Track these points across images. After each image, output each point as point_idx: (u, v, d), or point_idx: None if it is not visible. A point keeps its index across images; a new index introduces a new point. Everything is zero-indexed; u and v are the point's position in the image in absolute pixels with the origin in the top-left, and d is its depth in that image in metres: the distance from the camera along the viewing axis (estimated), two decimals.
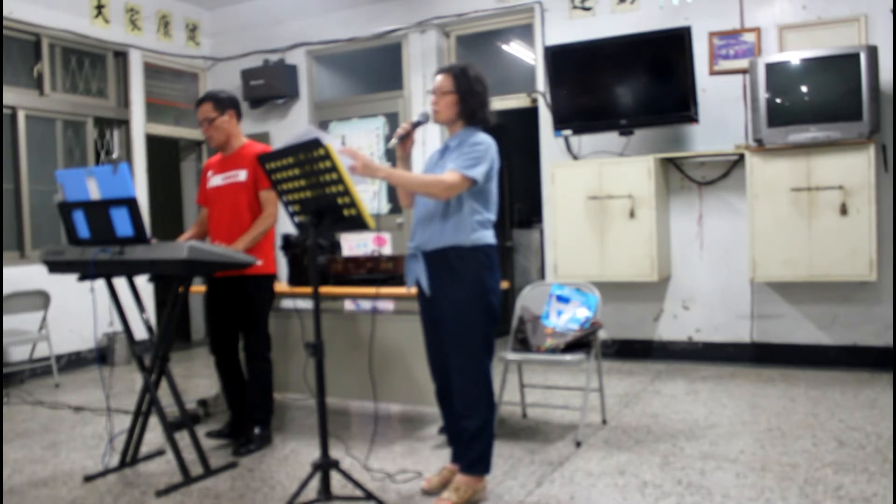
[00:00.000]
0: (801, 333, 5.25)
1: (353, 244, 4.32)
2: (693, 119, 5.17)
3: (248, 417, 3.79)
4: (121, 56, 6.72)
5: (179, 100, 7.39)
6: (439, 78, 2.95)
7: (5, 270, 5.58)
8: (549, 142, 5.94)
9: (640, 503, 2.86)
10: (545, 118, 5.95)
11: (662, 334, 5.69)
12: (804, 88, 4.84)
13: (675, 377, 5.04)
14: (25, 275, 5.58)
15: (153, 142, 7.01)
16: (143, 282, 3.60)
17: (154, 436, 3.89)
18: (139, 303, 3.54)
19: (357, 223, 2.81)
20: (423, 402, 3.98)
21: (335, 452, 3.20)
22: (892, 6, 4.88)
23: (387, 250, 4.26)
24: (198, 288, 3.97)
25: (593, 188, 5.39)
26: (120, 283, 3.46)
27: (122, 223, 3.15)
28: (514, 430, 3.90)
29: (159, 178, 7.29)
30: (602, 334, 5.18)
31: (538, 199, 6.15)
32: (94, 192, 3.22)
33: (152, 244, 3.15)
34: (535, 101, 6.11)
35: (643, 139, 5.58)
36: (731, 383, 4.80)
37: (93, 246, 3.24)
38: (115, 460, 3.50)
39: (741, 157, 5.23)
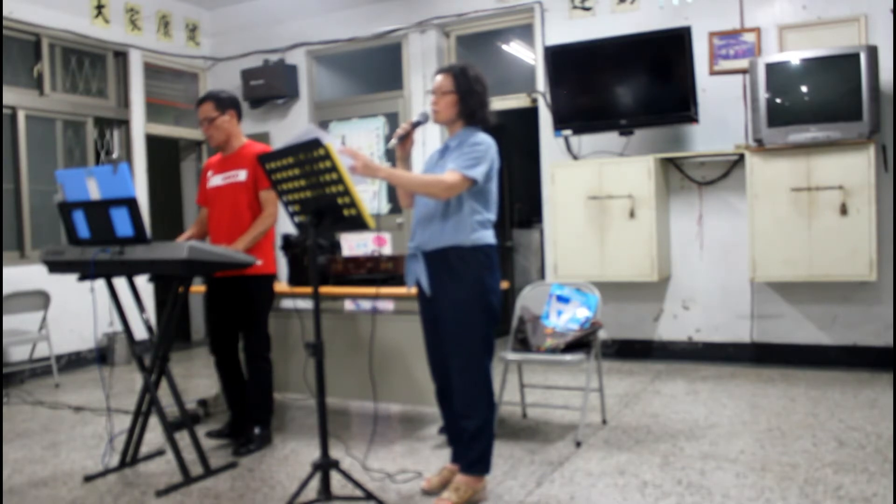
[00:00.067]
0: (801, 333, 5.25)
1: (353, 244, 4.32)
2: (693, 119, 5.17)
3: (248, 417, 3.79)
4: (121, 56, 6.72)
5: (179, 100, 7.39)
6: (439, 78, 2.95)
7: (5, 270, 5.58)
8: (549, 142, 5.94)
9: (640, 503, 2.86)
10: (545, 118, 5.95)
11: (662, 334, 5.69)
12: (804, 88, 4.84)
13: (675, 377, 5.04)
14: (25, 275, 5.58)
15: (153, 142, 7.01)
16: (143, 282, 3.60)
17: (154, 436, 3.89)
18: (139, 303, 3.54)
19: (357, 223, 2.81)
20: (423, 402, 3.98)
21: (335, 452, 3.20)
22: (892, 6, 4.88)
23: (387, 250, 4.26)
24: (198, 288, 3.97)
25: (593, 188, 5.39)
26: (120, 283, 3.46)
27: (122, 223, 3.15)
28: (514, 430, 3.90)
29: (159, 178, 7.29)
30: (602, 334, 5.18)
31: (538, 199, 6.15)
32: (94, 192, 3.22)
33: (152, 244, 3.15)
34: (535, 101, 6.11)
35: (643, 139, 5.58)
36: (731, 383, 4.80)
37: (93, 246, 3.24)
38: (115, 460, 3.51)
39: (741, 157, 5.23)
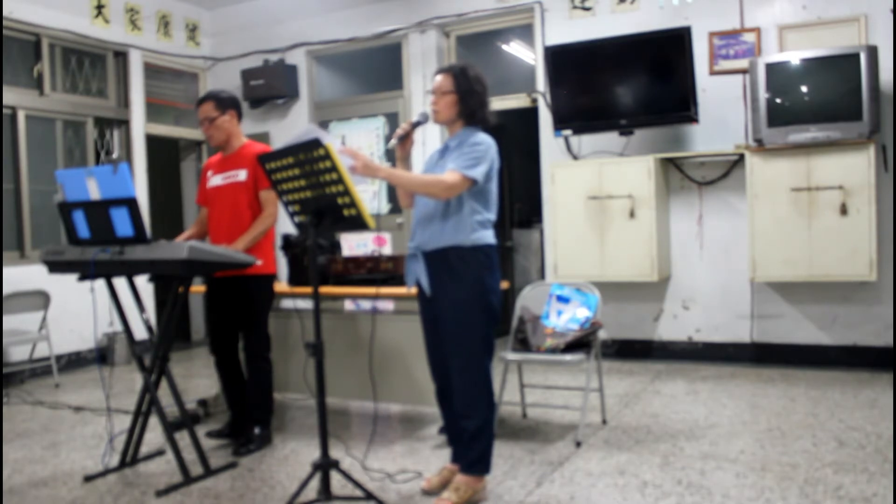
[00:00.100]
0: (801, 333, 5.25)
1: (353, 244, 4.32)
2: (693, 119, 5.17)
3: (248, 417, 3.79)
4: (121, 56, 6.72)
5: (179, 100, 7.39)
6: (439, 78, 2.95)
7: (5, 270, 5.58)
8: (549, 142, 5.94)
9: (640, 503, 2.86)
10: (545, 118, 5.95)
11: (662, 334, 5.69)
12: (804, 88, 4.84)
13: (675, 377, 5.04)
14: (25, 275, 5.58)
15: (153, 142, 7.01)
16: (143, 282, 3.60)
17: (154, 436, 3.89)
18: (139, 303, 3.54)
19: (357, 223, 2.81)
20: (423, 402, 3.98)
21: (335, 452, 3.20)
22: (892, 6, 4.88)
23: (387, 250, 4.26)
24: (198, 288, 3.97)
25: (593, 188, 5.39)
26: (120, 283, 3.46)
27: (122, 223, 3.15)
28: (514, 430, 3.90)
29: (159, 178, 7.29)
30: (602, 334, 5.18)
31: (538, 199, 6.15)
32: (94, 192, 3.22)
33: (153, 244, 3.15)
34: (535, 101, 6.11)
35: (643, 139, 5.58)
36: (731, 383, 4.80)
37: (93, 246, 3.24)
38: (115, 460, 3.50)
39: (741, 157, 5.23)
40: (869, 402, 4.18)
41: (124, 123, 6.75)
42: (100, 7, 6.45)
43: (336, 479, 2.97)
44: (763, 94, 4.83)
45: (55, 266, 3.41)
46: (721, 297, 5.49)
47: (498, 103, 6.08)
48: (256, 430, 3.75)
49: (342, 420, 4.24)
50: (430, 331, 3.02)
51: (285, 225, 4.70)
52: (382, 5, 6.64)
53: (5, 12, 5.69)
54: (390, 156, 6.17)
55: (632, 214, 5.26)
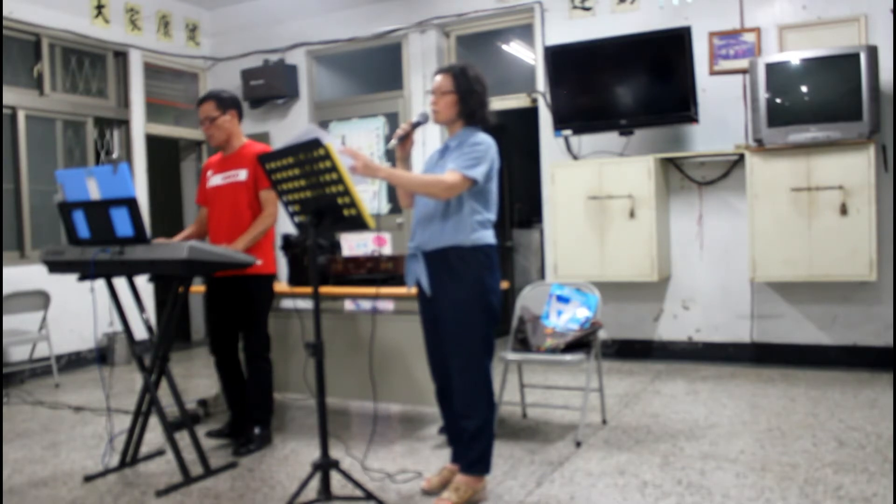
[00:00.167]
0: (801, 333, 5.25)
1: (353, 244, 4.32)
2: (693, 119, 5.17)
3: (248, 417, 3.79)
4: (121, 56, 6.72)
5: (179, 100, 7.39)
6: (438, 78, 2.95)
7: (5, 270, 5.58)
8: (549, 142, 5.94)
9: (640, 503, 2.86)
10: (545, 118, 5.95)
11: (662, 334, 5.69)
12: (804, 88, 4.84)
13: (675, 377, 5.04)
14: (25, 275, 5.58)
15: (153, 142, 7.01)
16: (143, 282, 3.60)
17: (154, 436, 3.89)
18: (139, 303, 3.54)
19: (357, 223, 2.81)
20: (423, 402, 3.98)
21: (335, 452, 3.20)
22: (892, 6, 4.88)
23: (387, 250, 4.26)
24: (198, 288, 3.97)
25: (593, 188, 5.39)
26: (120, 283, 3.46)
27: (122, 223, 3.15)
28: (514, 430, 3.90)
29: (159, 178, 7.29)
30: (602, 334, 5.18)
31: (538, 199, 6.15)
32: (94, 192, 3.22)
33: (153, 244, 3.15)
34: (535, 101, 6.11)
35: (643, 139, 5.58)
36: (731, 383, 4.80)
37: (93, 246, 3.24)
38: (115, 460, 3.50)
39: (741, 157, 5.23)
40: (869, 402, 4.19)
41: (124, 123, 6.75)
42: (100, 7, 6.45)
43: (336, 479, 2.97)
44: (763, 94, 4.83)
45: (55, 266, 3.41)
46: (721, 297, 5.48)
47: (498, 103, 6.09)
48: (256, 430, 3.75)
49: (342, 420, 4.24)
50: (430, 331, 3.02)
51: (285, 225, 4.70)
52: (382, 5, 6.64)
53: (5, 12, 5.69)
54: (390, 156, 6.17)
55: (632, 214, 5.26)
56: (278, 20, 7.10)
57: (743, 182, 5.17)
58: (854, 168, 4.68)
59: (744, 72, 5.27)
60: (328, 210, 2.81)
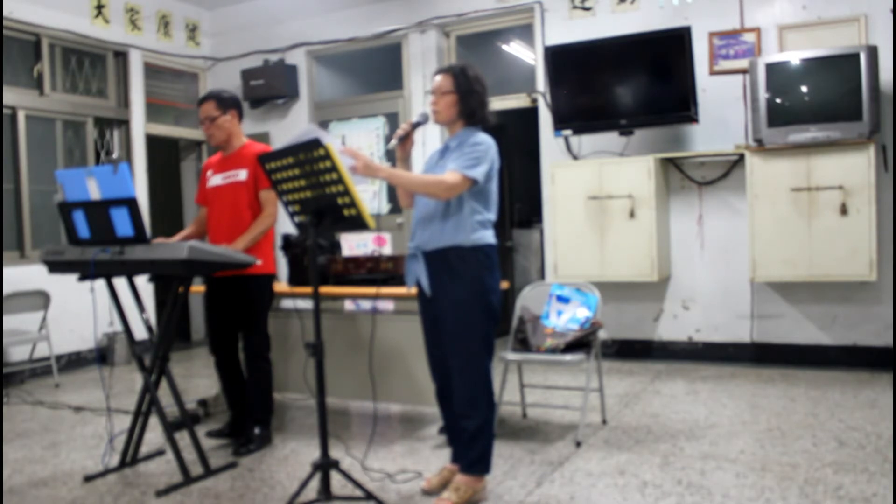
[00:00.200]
0: (801, 333, 5.25)
1: (353, 244, 4.32)
2: (693, 119, 5.17)
3: (248, 417, 3.79)
4: (121, 56, 6.72)
5: (179, 100, 7.39)
6: (438, 78, 2.95)
7: (5, 270, 5.58)
8: (549, 142, 5.94)
9: (640, 503, 2.86)
10: (545, 118, 5.95)
11: (662, 334, 5.69)
12: (804, 88, 4.84)
13: (675, 377, 5.04)
14: (25, 275, 5.58)
15: (153, 142, 7.01)
16: (143, 282, 3.60)
17: (154, 436, 3.89)
18: (139, 303, 3.54)
19: (357, 223, 2.81)
20: (423, 402, 3.98)
21: (335, 452, 3.20)
22: (892, 6, 4.88)
23: (387, 250, 4.27)
24: (198, 288, 3.97)
25: (593, 188, 5.39)
26: (120, 283, 3.46)
27: (122, 223, 3.15)
28: (514, 430, 3.90)
29: (159, 178, 7.29)
30: (602, 334, 5.18)
31: (538, 199, 6.15)
32: (94, 192, 3.22)
33: (153, 244, 3.15)
34: (535, 101, 6.11)
35: (643, 139, 5.58)
36: (731, 383, 4.80)
37: (93, 246, 3.24)
38: (115, 460, 3.50)
39: (741, 157, 5.23)
40: (869, 402, 4.19)
41: (124, 123, 6.75)
42: (100, 7, 6.45)
43: (336, 479, 2.97)
44: (763, 94, 4.83)
45: (55, 266, 3.41)
46: (721, 297, 5.49)
47: (498, 103, 6.09)
48: (256, 430, 3.75)
49: (342, 420, 4.24)
50: (430, 331, 3.02)
51: (285, 225, 4.71)
52: (382, 5, 6.64)
53: (5, 12, 5.69)
54: (390, 156, 6.17)
55: (632, 214, 5.26)
56: (278, 20, 7.10)
57: (743, 182, 5.17)
58: (854, 168, 4.68)
59: (744, 72, 5.27)
60: (328, 210, 2.81)
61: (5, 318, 5.30)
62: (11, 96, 5.83)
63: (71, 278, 3.46)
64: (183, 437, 3.56)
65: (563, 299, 3.92)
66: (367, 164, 2.72)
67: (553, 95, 5.59)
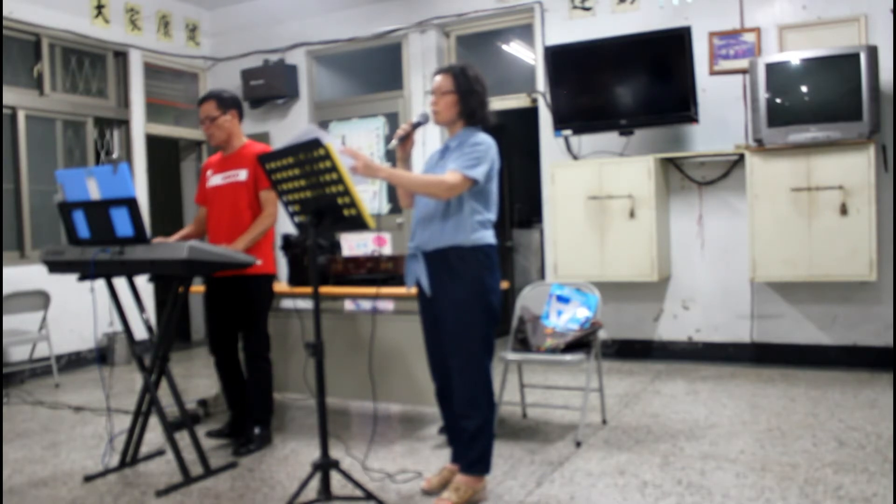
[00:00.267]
0: (801, 333, 5.25)
1: (353, 244, 4.32)
2: (693, 119, 5.17)
3: (248, 417, 3.79)
4: (121, 56, 6.72)
5: (179, 100, 7.39)
6: (438, 78, 2.95)
7: (5, 270, 5.58)
8: (549, 142, 5.94)
9: (640, 503, 2.86)
10: (545, 118, 5.95)
11: (662, 334, 5.69)
12: (804, 88, 4.84)
13: (675, 377, 5.04)
14: (25, 275, 5.58)
15: (153, 142, 7.01)
16: (143, 282, 3.60)
17: (154, 436, 3.89)
18: (139, 303, 3.54)
19: (357, 223, 2.81)
20: (423, 402, 3.98)
21: (335, 452, 3.20)
22: (892, 6, 4.88)
23: (387, 250, 4.26)
24: (198, 288, 3.97)
25: (593, 188, 5.39)
26: (120, 283, 3.46)
27: (122, 223, 3.15)
28: (514, 430, 3.90)
29: (159, 178, 7.29)
30: (602, 334, 5.18)
31: (538, 199, 6.15)
32: (94, 192, 3.22)
33: (153, 244, 3.15)
34: (535, 101, 6.11)
35: (643, 139, 5.58)
36: (731, 383, 4.80)
37: (93, 246, 3.24)
38: (115, 460, 3.51)
39: (741, 157, 5.23)
40: (869, 402, 4.19)
41: (124, 123, 6.75)
42: (100, 7, 6.45)
43: (336, 479, 2.97)
44: (763, 94, 4.83)
45: (55, 266, 3.41)
46: (721, 297, 5.48)
47: (498, 103, 6.09)
48: (256, 430, 3.75)
49: (342, 420, 4.24)
50: (430, 331, 3.02)
51: (285, 225, 4.71)
52: (382, 5, 6.64)
53: (5, 12, 5.69)
54: (391, 156, 6.18)
55: (632, 214, 5.26)
56: (278, 20, 7.10)
57: (743, 182, 5.17)
58: (854, 168, 4.68)
59: (744, 72, 5.27)
60: (328, 210, 2.81)
61: (5, 318, 5.30)
62: (11, 96, 5.83)
63: (71, 278, 3.46)
64: (183, 437, 3.56)
65: (563, 299, 3.92)
66: (367, 164, 2.72)
67: (553, 95, 5.59)
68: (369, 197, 6.77)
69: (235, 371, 3.87)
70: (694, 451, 3.45)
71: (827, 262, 4.78)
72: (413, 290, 3.04)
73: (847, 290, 5.08)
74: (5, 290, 5.39)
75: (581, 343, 3.71)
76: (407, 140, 3.00)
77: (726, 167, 5.41)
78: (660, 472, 3.18)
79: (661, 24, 5.38)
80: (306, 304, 4.20)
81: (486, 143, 2.86)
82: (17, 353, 5.65)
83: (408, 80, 6.65)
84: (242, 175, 3.71)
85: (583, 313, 3.84)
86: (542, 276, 6.36)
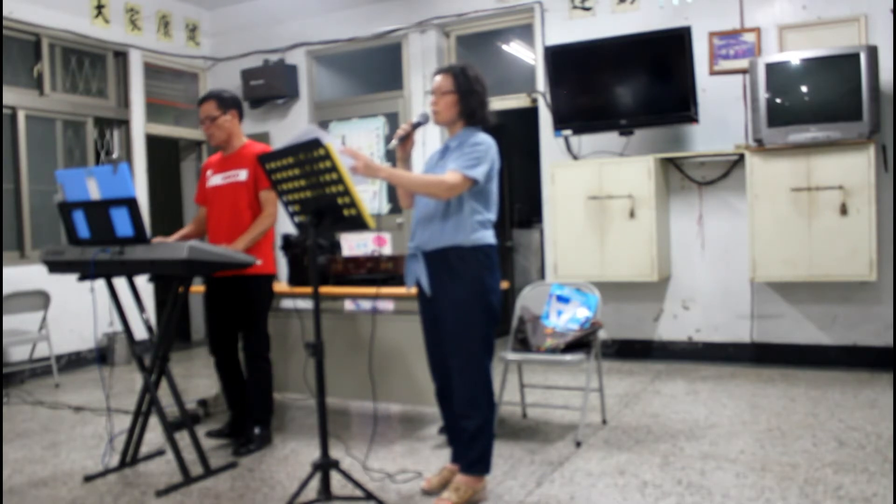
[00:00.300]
0: (801, 333, 5.25)
1: (353, 244, 4.32)
2: (693, 119, 5.17)
3: (248, 417, 3.79)
4: (121, 56, 6.72)
5: (179, 100, 7.39)
6: (438, 78, 2.95)
7: (5, 270, 5.58)
8: (549, 142, 5.94)
9: (640, 503, 2.86)
10: (545, 118, 5.95)
11: (662, 334, 5.69)
12: (804, 88, 4.84)
13: (675, 377, 5.04)
14: (25, 275, 5.58)
15: (153, 142, 7.01)
16: (143, 282, 3.60)
17: (154, 436, 3.89)
18: (139, 303, 3.54)
19: (357, 223, 2.81)
20: (423, 402, 3.98)
21: (335, 452, 3.20)
22: (892, 6, 4.88)
23: (387, 250, 4.26)
24: (198, 288, 3.97)
25: (593, 188, 5.39)
26: (120, 283, 3.46)
27: (122, 223, 3.15)
28: (514, 430, 3.90)
29: (159, 178, 7.29)
30: (602, 334, 5.18)
31: (538, 199, 6.15)
32: (94, 192, 3.22)
33: (153, 244, 3.15)
34: (535, 101, 6.11)
35: (643, 139, 5.58)
36: (731, 383, 4.80)
37: (93, 246, 3.24)
38: (115, 460, 3.51)
39: (741, 157, 5.23)
40: (869, 402, 4.19)
41: (124, 123, 6.75)
42: (100, 7, 6.45)
43: (336, 479, 2.97)
44: (763, 94, 4.83)
45: (55, 266, 3.41)
46: (721, 297, 5.48)
47: (498, 103, 6.09)
48: (256, 430, 3.75)
49: (342, 420, 4.24)
50: (430, 331, 3.02)
51: (285, 225, 4.71)
52: (382, 5, 6.64)
53: (5, 12, 5.69)
54: (391, 156, 6.17)
55: (632, 214, 5.26)
56: (278, 20, 7.10)
57: (743, 182, 5.17)
58: (854, 168, 4.68)
59: (744, 72, 5.27)
60: (328, 210, 2.81)
61: (5, 318, 5.30)
62: (11, 96, 5.83)
63: (71, 278, 3.46)
64: (183, 437, 3.56)
65: (563, 299, 3.92)
66: (367, 164, 2.72)
67: (553, 95, 5.59)
68: (369, 197, 6.77)
69: (235, 371, 3.87)
70: (694, 451, 3.45)
71: (827, 262, 4.78)
72: (413, 290, 3.04)
73: (847, 290, 5.08)
74: (5, 290, 5.39)
75: (581, 343, 3.71)
76: (407, 140, 3.00)
77: (726, 167, 5.42)
78: (660, 472, 3.18)
79: (661, 24, 5.38)
80: (306, 304, 4.20)
81: (486, 143, 2.86)
82: (17, 353, 5.65)
83: (408, 80, 6.65)
84: (242, 175, 3.71)
85: (583, 313, 3.84)
86: (542, 276, 6.36)
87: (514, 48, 6.95)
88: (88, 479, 3.34)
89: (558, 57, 5.53)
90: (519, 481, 3.14)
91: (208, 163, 3.94)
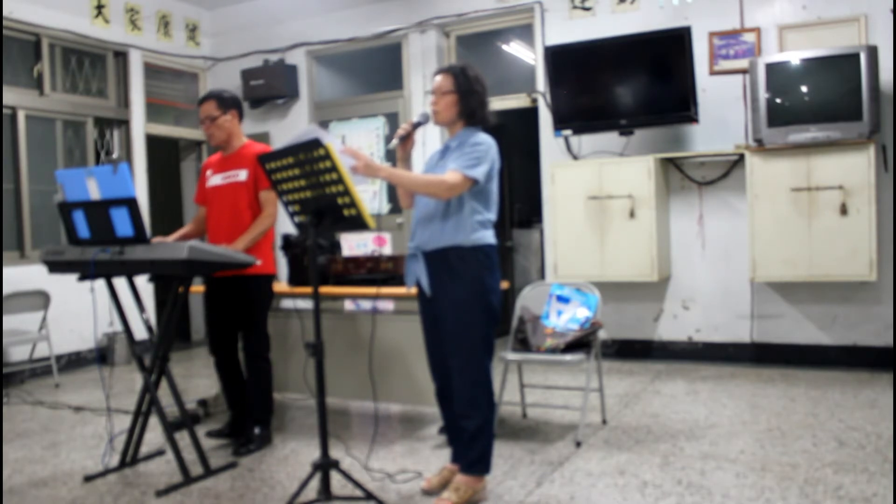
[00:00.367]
0: (801, 333, 5.25)
1: (353, 244, 4.32)
2: (693, 119, 5.17)
3: (248, 417, 3.79)
4: (121, 56, 6.72)
5: (179, 100, 7.39)
6: (438, 78, 2.96)
7: (5, 270, 5.58)
8: (549, 142, 5.94)
9: (640, 503, 2.86)
10: (545, 118, 5.95)
11: (662, 334, 5.69)
12: (804, 88, 4.84)
13: (675, 377, 5.04)
14: (25, 275, 5.58)
15: (153, 142, 7.01)
16: (143, 282, 3.60)
17: (154, 436, 3.89)
18: (139, 303, 3.54)
19: (357, 223, 2.81)
20: (423, 402, 3.98)
21: (335, 452, 3.20)
22: (892, 6, 4.88)
23: (387, 250, 4.26)
24: (198, 288, 3.97)
25: (593, 188, 5.39)
26: (120, 283, 3.46)
27: (122, 223, 3.15)
28: (514, 430, 3.90)
29: (159, 178, 7.29)
30: (602, 334, 5.18)
31: (538, 199, 6.15)
32: (94, 192, 3.22)
33: (152, 244, 3.15)
34: (535, 101, 6.11)
35: (643, 139, 5.58)
36: (731, 383, 4.80)
37: (93, 246, 3.24)
38: (115, 460, 3.51)
39: (741, 157, 5.23)
40: (869, 402, 4.19)
41: (124, 123, 6.75)
42: (100, 7, 6.45)
43: (336, 479, 2.97)
44: (763, 94, 4.83)
45: (55, 266, 3.41)
46: (721, 297, 5.48)
47: (498, 103, 6.09)
48: (256, 430, 3.75)
49: (342, 420, 4.24)
50: (430, 331, 3.02)
51: (285, 225, 4.71)
52: (382, 5, 6.64)
53: (5, 12, 5.69)
54: (391, 156, 6.17)
55: (632, 214, 5.26)
56: (278, 20, 7.10)
57: (743, 182, 5.17)
58: (854, 168, 4.68)
59: (744, 72, 5.27)
60: (328, 210, 2.81)
61: (5, 318, 5.30)
62: (11, 96, 5.83)
63: (71, 278, 3.46)
64: (183, 437, 3.56)
65: (563, 299, 3.92)
66: (367, 163, 2.72)
67: (553, 95, 5.59)
68: (369, 197, 6.77)
69: (235, 371, 3.87)
70: (694, 451, 3.45)
71: (827, 262, 4.78)
72: (413, 290, 3.04)
73: (847, 290, 5.08)
74: (5, 290, 5.39)
75: (581, 343, 3.71)
76: (407, 140, 3.00)
77: (726, 167, 5.42)
78: (660, 472, 3.18)
79: (661, 24, 5.38)
80: (306, 304, 4.20)
81: (486, 143, 2.86)
82: (17, 353, 5.65)
83: (408, 80, 6.65)
84: (242, 175, 3.71)
85: (583, 313, 3.84)
86: (542, 276, 6.36)
87: (514, 48, 6.95)
88: (88, 479, 3.34)
89: (558, 57, 5.53)
90: (519, 481, 3.14)
91: (208, 163, 3.94)
